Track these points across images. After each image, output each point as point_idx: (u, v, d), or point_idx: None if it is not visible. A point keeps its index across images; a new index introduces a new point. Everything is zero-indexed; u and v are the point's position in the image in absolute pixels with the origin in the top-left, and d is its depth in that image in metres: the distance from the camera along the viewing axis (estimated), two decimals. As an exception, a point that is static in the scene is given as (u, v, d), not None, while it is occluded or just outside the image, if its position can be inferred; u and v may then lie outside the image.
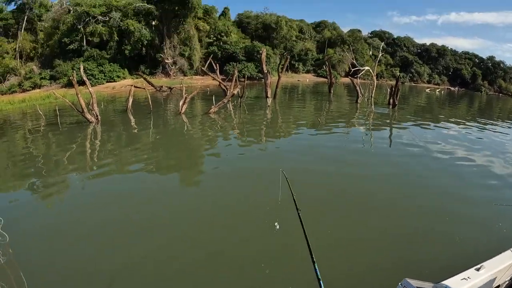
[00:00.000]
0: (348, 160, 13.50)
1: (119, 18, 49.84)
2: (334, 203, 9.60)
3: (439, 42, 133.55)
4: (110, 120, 21.36)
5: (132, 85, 25.28)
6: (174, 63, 52.66)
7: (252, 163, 12.52)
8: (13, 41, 52.19)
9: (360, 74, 37.01)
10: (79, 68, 23.55)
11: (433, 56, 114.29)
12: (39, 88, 46.46)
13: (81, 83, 23.13)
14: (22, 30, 52.59)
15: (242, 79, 32.55)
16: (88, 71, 40.91)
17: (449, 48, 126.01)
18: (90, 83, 22.83)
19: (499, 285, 4.93)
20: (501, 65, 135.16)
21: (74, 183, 10.98)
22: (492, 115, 42.42)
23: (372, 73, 36.61)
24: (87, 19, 48.89)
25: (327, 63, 45.66)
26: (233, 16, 73.68)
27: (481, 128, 26.32)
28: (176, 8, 50.85)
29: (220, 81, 28.94)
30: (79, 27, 48.66)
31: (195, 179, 11.22)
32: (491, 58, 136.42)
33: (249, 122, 20.57)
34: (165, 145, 15.25)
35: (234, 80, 24.80)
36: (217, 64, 38.11)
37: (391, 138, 18.65)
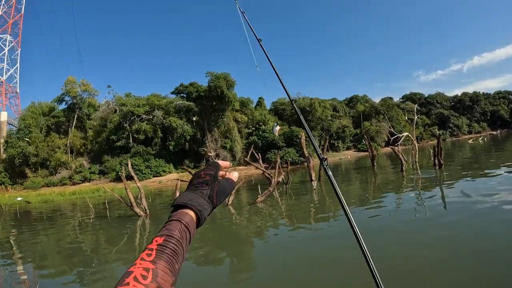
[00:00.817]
0: (402, 231, 13.45)
1: (162, 116, 53.16)
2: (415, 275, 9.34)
3: (470, 89, 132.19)
4: (158, 214, 22.13)
5: (178, 179, 26.09)
6: (217, 155, 54.33)
7: (303, 247, 12.33)
8: (64, 137, 56.55)
9: (400, 141, 37.36)
10: (126, 164, 24.89)
11: (467, 105, 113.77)
12: (89, 182, 49.29)
13: (129, 178, 24.33)
14: (73, 127, 57.10)
15: (285, 165, 33.33)
16: (135, 166, 43.10)
17: (481, 92, 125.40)
18: (138, 178, 23.89)
19: None
20: None
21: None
22: None
23: (412, 137, 36.90)
24: (132, 117, 52.57)
25: (365, 137, 46.46)
26: (268, 104, 76.44)
27: None
28: (214, 103, 53.78)
29: (263, 169, 29.65)
30: (125, 125, 52.34)
31: (247, 272, 10.81)
32: None
33: (296, 207, 20.70)
34: (215, 238, 15.33)
35: (277, 167, 25.28)
36: (259, 153, 39.11)
37: (444, 200, 18.25)
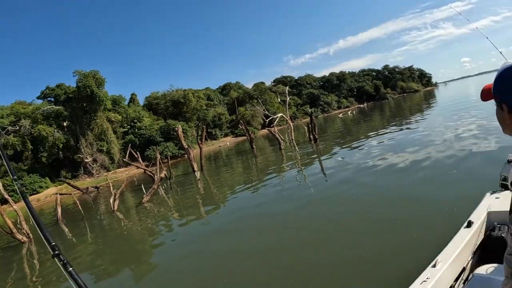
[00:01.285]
0: (292, 203, 13.82)
1: (29, 125, 48.71)
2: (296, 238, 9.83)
3: (337, 69, 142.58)
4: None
5: (57, 193, 24.16)
6: (95, 160, 51.78)
7: (197, 240, 12.11)
8: None
9: (275, 122, 38.42)
10: (8, 185, 22.58)
11: (335, 83, 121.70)
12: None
13: (3, 201, 22.21)
14: None
15: (165, 160, 32.77)
16: (7, 187, 38.91)
17: (347, 71, 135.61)
18: (13, 200, 20.82)
19: (464, 268, 4.86)
20: (396, 69, 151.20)
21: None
22: (404, 114, 46.22)
23: (286, 117, 38.05)
24: None
25: (241, 122, 47.10)
26: (141, 100, 74.53)
27: (400, 129, 29.22)
28: (85, 104, 50.72)
29: (145, 168, 28.88)
30: None
31: (148, 273, 10.48)
32: (386, 67, 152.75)
33: (184, 201, 20.30)
34: (109, 249, 14.31)
35: (158, 163, 24.71)
36: (137, 152, 37.89)
37: (324, 170, 19.36)
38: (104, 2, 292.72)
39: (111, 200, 20.90)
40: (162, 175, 23.52)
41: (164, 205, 20.14)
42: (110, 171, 51.94)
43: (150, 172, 26.61)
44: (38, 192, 45.02)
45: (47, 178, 48.06)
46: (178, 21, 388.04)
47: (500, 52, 6.84)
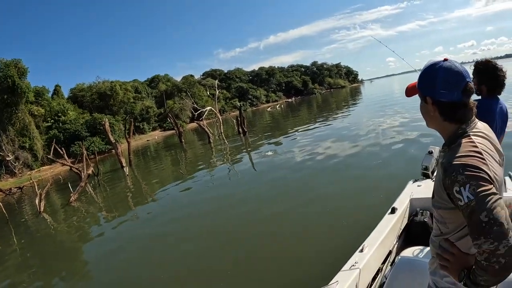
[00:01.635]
0: (224, 195, 14.21)
1: None
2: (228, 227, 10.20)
3: (267, 64, 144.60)
4: None
5: None
6: (17, 158, 49.11)
7: (128, 236, 12.05)
8: None
9: (204, 115, 38.43)
10: None
11: (264, 78, 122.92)
12: None
13: None
14: None
15: (92, 156, 31.85)
16: None
17: (276, 66, 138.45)
18: None
19: (390, 251, 5.08)
20: (324, 66, 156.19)
21: None
22: (331, 109, 47.93)
23: (215, 111, 38.24)
24: None
25: (170, 115, 46.69)
26: (65, 92, 70.92)
27: (327, 123, 30.45)
28: (5, 96, 47.70)
29: (70, 165, 27.86)
30: None
31: (78, 273, 10.14)
32: (314, 63, 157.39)
33: (113, 197, 19.94)
34: (38, 257, 13.06)
35: (84, 159, 23.97)
36: (62, 148, 36.39)
37: (253, 163, 19.75)
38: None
39: (37, 201, 19.36)
40: (90, 171, 22.59)
41: (93, 203, 19.48)
42: (34, 169, 49.31)
43: (77, 169, 25.55)
44: (-42, 196, 42.27)
45: (-34, 180, 45.22)
46: (105, 11, 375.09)
47: (403, 59, 7.51)
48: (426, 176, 6.75)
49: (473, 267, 1.71)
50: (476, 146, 1.73)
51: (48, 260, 12.26)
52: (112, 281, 8.86)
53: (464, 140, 1.80)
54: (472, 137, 1.80)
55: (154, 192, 18.62)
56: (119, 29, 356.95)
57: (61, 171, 40.05)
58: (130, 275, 8.80)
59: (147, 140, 59.29)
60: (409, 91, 2.15)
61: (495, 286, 1.87)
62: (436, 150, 6.74)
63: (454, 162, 1.70)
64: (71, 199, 19.89)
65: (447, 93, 1.83)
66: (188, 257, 8.95)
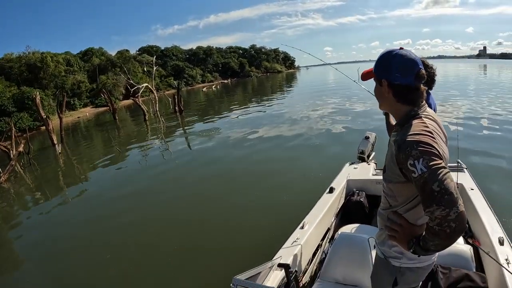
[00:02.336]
0: (159, 173, 14.22)
1: None
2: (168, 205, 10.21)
3: (204, 44, 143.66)
4: None
5: None
6: None
7: (62, 219, 11.52)
8: None
9: (140, 92, 37.60)
10: None
11: (201, 57, 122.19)
12: None
13: None
14: None
15: (19, 134, 30.08)
16: None
17: (214, 47, 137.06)
18: None
19: (328, 228, 5.34)
20: (262, 49, 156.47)
21: None
22: (266, 93, 48.62)
23: (152, 88, 37.65)
24: None
25: (104, 91, 45.28)
26: (-8, 63, 66.09)
27: (261, 105, 30.92)
28: None
29: (-2, 142, 26.24)
30: None
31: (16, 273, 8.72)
32: (253, 46, 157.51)
33: (45, 177, 18.98)
34: None
35: (13, 136, 22.57)
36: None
37: (188, 142, 19.96)
38: None
39: None
40: (20, 149, 21.23)
41: (23, 184, 18.21)
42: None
43: (5, 147, 24.01)
44: None
45: None
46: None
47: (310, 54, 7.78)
48: (362, 159, 7.23)
49: (423, 234, 1.87)
50: (427, 126, 1.91)
51: None
52: (41, 270, 8.34)
53: (416, 121, 1.97)
54: (424, 118, 1.99)
55: (87, 171, 18.19)
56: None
57: (-18, 150, 37.87)
58: (62, 263, 8.35)
59: (78, 117, 56.64)
60: (365, 76, 2.34)
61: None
62: (373, 136, 7.40)
63: (408, 139, 1.85)
64: (0, 179, 18.23)
65: (401, 76, 2.00)
66: (124, 238, 8.85)
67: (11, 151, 21.29)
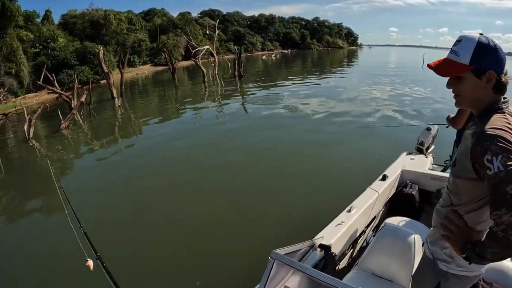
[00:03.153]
0: (215, 135, 14.25)
1: None
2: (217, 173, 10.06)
3: (266, 12, 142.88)
4: None
5: None
6: (1, 84, 47.85)
7: (120, 166, 11.87)
8: None
9: (201, 54, 37.54)
10: None
11: (263, 25, 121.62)
12: None
13: None
14: None
15: (79, 86, 30.76)
16: None
17: (277, 16, 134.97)
18: None
19: (375, 217, 5.34)
20: (326, 23, 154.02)
21: None
22: (324, 66, 47.77)
23: (213, 51, 37.55)
24: None
25: (165, 50, 45.46)
26: (56, 18, 68.60)
27: (319, 78, 30.60)
28: (-6, 20, 45.99)
29: (61, 92, 26.84)
30: None
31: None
32: (316, 19, 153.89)
33: (103, 128, 19.48)
34: (22, 182, 12.38)
35: (75, 87, 23.68)
36: (53, 75, 35.08)
37: (245, 106, 20.03)
38: None
39: (26, 127, 18.45)
40: (82, 99, 22.07)
41: (83, 132, 19.01)
42: (19, 96, 48.25)
43: (67, 97, 24.78)
44: None
45: None
46: None
47: None
48: (420, 151, 7.05)
49: (481, 240, 1.75)
50: (509, 123, 1.73)
51: (30, 184, 11.85)
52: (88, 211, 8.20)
53: (498, 115, 1.80)
54: (507, 114, 1.81)
55: (144, 125, 18.56)
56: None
57: (47, 99, 38.93)
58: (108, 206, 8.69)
59: (137, 74, 57.94)
60: (449, 70, 1.96)
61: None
62: (435, 128, 7.24)
63: (489, 132, 1.69)
64: (61, 126, 19.11)
65: (503, 67, 1.86)
66: (174, 188, 9.17)
67: (73, 101, 22.53)
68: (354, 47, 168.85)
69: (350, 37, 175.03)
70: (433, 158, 6.98)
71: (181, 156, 12.14)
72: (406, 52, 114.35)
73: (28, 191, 11.06)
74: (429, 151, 7.09)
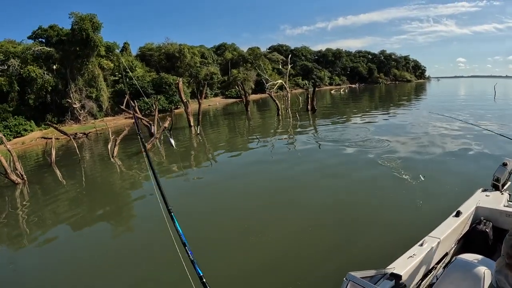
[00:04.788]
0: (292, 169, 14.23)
1: (18, 65, 46.83)
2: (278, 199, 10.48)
3: (333, 46, 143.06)
4: (37, 179, 18.55)
5: (53, 137, 23.30)
6: (83, 107, 50.34)
7: (203, 194, 12.16)
8: None
9: (275, 88, 38.14)
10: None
11: (330, 60, 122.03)
12: None
13: None
14: None
15: (154, 113, 32.13)
16: None
17: (343, 50, 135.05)
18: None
19: (446, 253, 5.21)
20: (392, 56, 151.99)
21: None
22: (392, 100, 47.36)
23: (286, 85, 38.02)
24: None
25: (239, 84, 46.63)
26: (134, 50, 72.62)
27: (387, 114, 30.72)
28: (78, 48, 48.75)
29: (143, 117, 28.18)
30: None
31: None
32: (382, 52, 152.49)
33: (183, 152, 20.23)
34: (110, 195, 13.77)
35: (156, 113, 25.64)
36: (134, 101, 36.60)
37: (319, 142, 19.73)
38: None
39: (110, 146, 20.26)
40: (166, 125, 23.01)
41: (165, 155, 20.14)
42: (97, 119, 50.77)
43: (147, 122, 26.13)
44: (22, 135, 43.09)
45: (32, 121, 46.07)
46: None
47: None
48: (495, 187, 6.75)
49: None
50: None
51: (117, 203, 12.66)
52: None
53: None
54: None
55: (220, 153, 19.19)
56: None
57: (124, 123, 40.86)
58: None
59: (208, 105, 59.53)
60: None
61: None
62: (511, 163, 6.86)
63: None
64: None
65: None
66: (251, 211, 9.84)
67: (153, 126, 24.15)
68: (422, 80, 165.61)
69: (418, 69, 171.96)
70: (510, 195, 6.72)
71: (261, 185, 12.41)
72: (475, 83, 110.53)
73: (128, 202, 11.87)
74: (505, 187, 6.82)
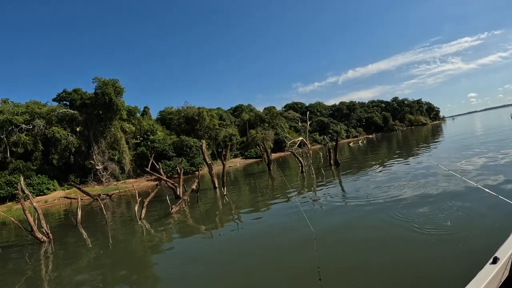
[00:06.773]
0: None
1: (43, 125, 48.19)
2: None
3: (345, 99, 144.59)
4: (60, 238, 18.73)
5: (78, 197, 23.91)
6: (105, 168, 51.30)
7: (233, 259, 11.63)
8: None
9: (296, 145, 38.49)
10: (13, 182, 21.55)
11: (345, 113, 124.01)
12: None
13: (9, 198, 20.68)
14: None
15: (176, 176, 32.46)
16: (15, 185, 37.68)
17: (357, 102, 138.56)
18: (21, 198, 18.83)
19: None
20: (405, 102, 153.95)
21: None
22: (411, 147, 47.02)
23: (306, 142, 38.28)
24: (9, 128, 46.16)
25: (260, 144, 47.29)
26: (153, 114, 74.81)
27: (406, 160, 30.64)
28: (101, 111, 50.22)
29: (166, 179, 28.29)
30: (1, 136, 45.79)
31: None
32: (395, 99, 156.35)
33: (209, 215, 20.25)
34: (138, 258, 13.53)
35: (181, 176, 26.16)
36: (159, 163, 37.13)
37: (344, 190, 20.42)
38: (125, 13, 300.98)
39: (136, 208, 20.34)
40: (194, 187, 23.47)
41: (192, 218, 19.89)
42: (120, 180, 51.44)
43: (172, 184, 26.38)
44: (45, 194, 44.13)
45: (55, 180, 47.25)
46: (192, 43, 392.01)
47: None
48: None
49: None
50: None
51: (147, 264, 12.60)
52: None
53: None
54: None
55: (251, 216, 18.46)
56: (203, 60, 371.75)
57: (146, 186, 41.18)
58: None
59: (229, 166, 59.70)
60: None
61: None
62: None
63: None
64: (172, 210, 20.48)
65: None
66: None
67: (178, 188, 24.57)
68: (437, 121, 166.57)
69: (432, 111, 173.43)
70: None
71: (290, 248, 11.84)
72: (490, 115, 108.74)
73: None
74: None
